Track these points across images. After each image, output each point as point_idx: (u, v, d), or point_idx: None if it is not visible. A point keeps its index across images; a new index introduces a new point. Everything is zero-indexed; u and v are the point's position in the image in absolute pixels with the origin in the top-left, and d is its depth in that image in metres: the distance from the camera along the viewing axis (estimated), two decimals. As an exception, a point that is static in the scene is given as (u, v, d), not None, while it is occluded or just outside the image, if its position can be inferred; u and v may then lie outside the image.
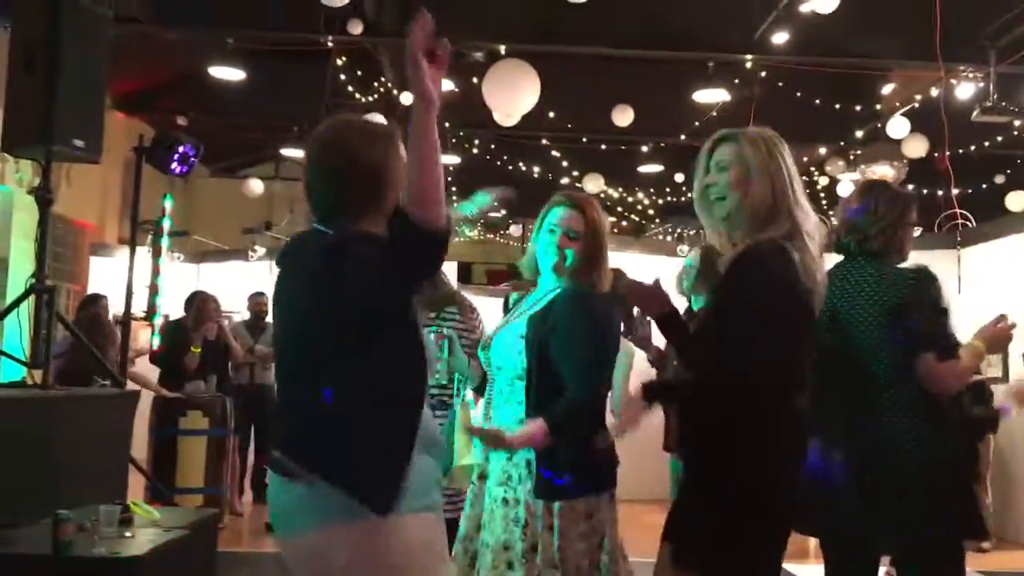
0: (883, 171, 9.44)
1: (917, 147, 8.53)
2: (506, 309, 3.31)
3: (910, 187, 9.79)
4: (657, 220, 14.44)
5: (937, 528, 2.48)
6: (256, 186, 11.46)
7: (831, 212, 12.09)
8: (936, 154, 8.38)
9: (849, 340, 2.64)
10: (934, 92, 7.81)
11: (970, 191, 9.95)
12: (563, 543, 2.38)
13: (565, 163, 11.13)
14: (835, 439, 2.56)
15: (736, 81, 8.25)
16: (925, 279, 2.65)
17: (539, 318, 2.52)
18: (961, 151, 8.95)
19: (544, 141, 10.66)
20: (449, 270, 8.96)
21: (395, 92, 9.03)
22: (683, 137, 9.74)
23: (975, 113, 7.61)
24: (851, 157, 9.98)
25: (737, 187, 2.20)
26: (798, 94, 8.15)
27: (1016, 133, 8.70)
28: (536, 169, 11.38)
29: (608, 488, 2.50)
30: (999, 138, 9.02)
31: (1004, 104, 7.69)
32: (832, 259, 2.72)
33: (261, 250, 9.69)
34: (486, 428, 2.45)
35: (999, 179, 10.66)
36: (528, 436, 2.35)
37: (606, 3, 7.06)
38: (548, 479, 2.38)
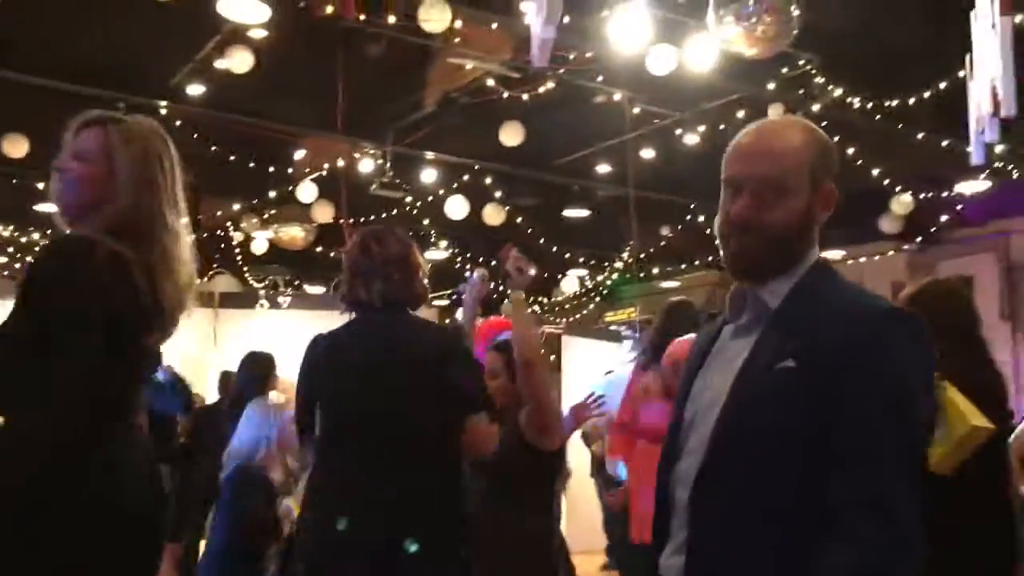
0: (294, 232, 9.85)
1: (324, 212, 9.06)
2: None
3: (319, 249, 10.39)
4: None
5: None
6: None
7: (246, 268, 12.13)
8: (341, 221, 8.99)
9: (392, 396, 2.58)
10: (340, 163, 8.41)
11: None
12: None
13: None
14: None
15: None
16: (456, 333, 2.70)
17: None
18: (363, 220, 9.75)
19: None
20: None
21: None
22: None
23: (374, 186, 8.38)
24: (265, 216, 10.23)
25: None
26: (214, 148, 8.12)
27: (408, 208, 9.75)
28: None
29: None
30: (395, 211, 10.01)
31: (399, 181, 8.58)
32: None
33: None
34: None
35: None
36: None
37: (8, 26, 6.32)
38: None
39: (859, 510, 1.36)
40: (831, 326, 1.47)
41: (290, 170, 8.81)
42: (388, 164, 8.49)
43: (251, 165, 8.49)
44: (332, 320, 2.99)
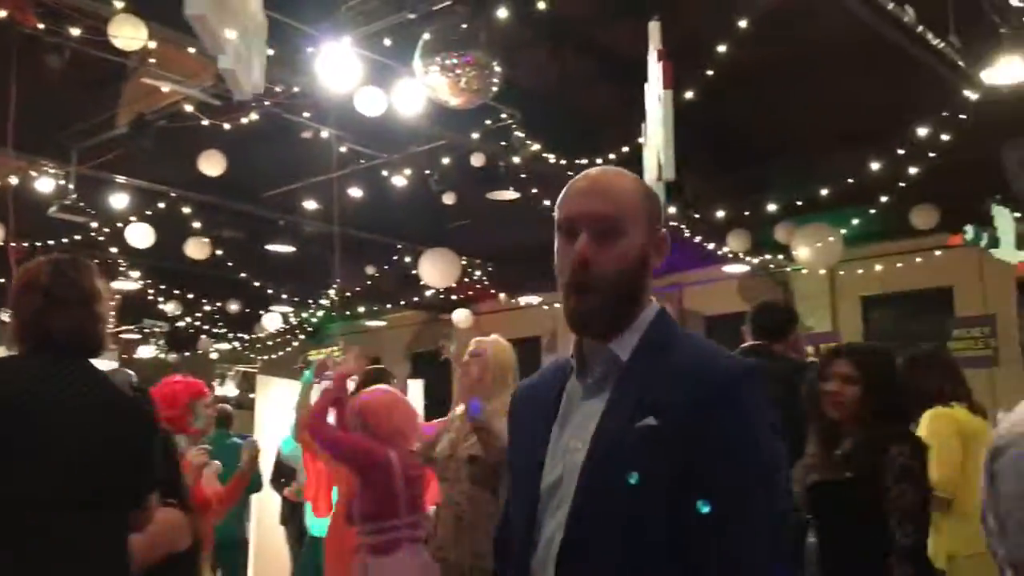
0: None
1: (-7, 234, 8.12)
2: None
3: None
4: None
5: None
6: None
7: None
8: (13, 244, 8.10)
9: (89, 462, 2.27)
10: (13, 180, 7.60)
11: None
12: None
13: None
14: None
15: None
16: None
17: None
18: (39, 244, 8.88)
19: None
20: None
21: None
22: None
23: (53, 209, 7.65)
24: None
25: None
26: None
27: (94, 233, 9.01)
28: None
29: None
30: (78, 237, 9.20)
31: (82, 204, 7.89)
32: None
33: None
34: None
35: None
36: None
37: None
38: None
39: (722, 570, 1.38)
40: (688, 384, 1.45)
41: (-50, 185, 7.82)
42: (71, 185, 7.78)
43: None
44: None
